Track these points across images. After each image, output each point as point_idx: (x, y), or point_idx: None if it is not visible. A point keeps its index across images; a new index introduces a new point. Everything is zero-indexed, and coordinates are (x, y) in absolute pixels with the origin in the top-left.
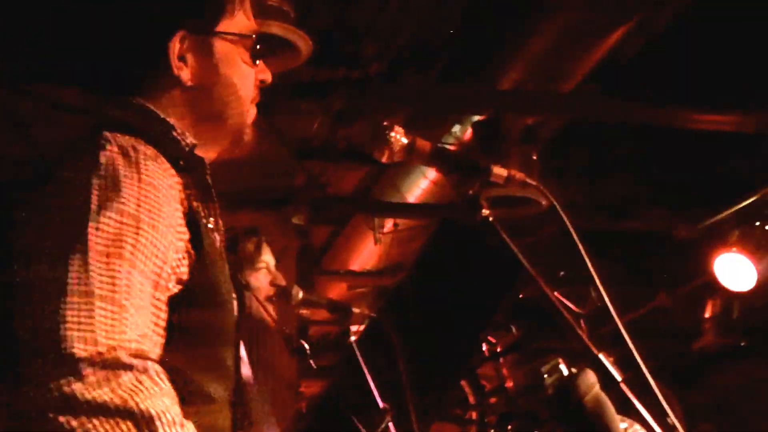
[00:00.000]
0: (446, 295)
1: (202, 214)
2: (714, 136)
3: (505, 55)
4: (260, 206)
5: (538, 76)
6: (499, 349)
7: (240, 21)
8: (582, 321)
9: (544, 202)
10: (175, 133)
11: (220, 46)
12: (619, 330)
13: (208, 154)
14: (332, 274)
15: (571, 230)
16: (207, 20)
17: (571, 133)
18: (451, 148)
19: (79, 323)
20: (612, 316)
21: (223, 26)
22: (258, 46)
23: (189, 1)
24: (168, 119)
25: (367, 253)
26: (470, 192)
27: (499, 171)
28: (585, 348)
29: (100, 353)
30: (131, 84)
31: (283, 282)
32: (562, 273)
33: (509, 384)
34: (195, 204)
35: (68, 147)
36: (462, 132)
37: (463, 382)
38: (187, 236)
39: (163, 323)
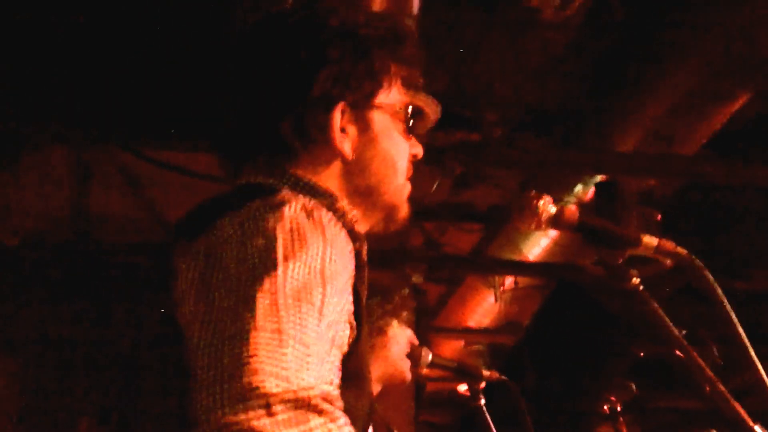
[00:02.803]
0: (565, 354)
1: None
2: None
3: (622, 121)
4: (380, 265)
5: (656, 141)
6: (618, 408)
7: (395, 94)
8: None
9: (668, 262)
10: (339, 205)
11: (378, 118)
12: (760, 384)
13: (359, 228)
14: (449, 332)
15: (716, 288)
16: (366, 93)
17: (688, 191)
18: (573, 208)
19: (270, 358)
20: (752, 369)
21: (380, 98)
22: (412, 120)
23: (349, 74)
24: (330, 191)
25: (483, 311)
26: (619, 261)
27: (649, 240)
28: (737, 417)
29: (292, 391)
30: (290, 154)
31: (416, 341)
32: (684, 331)
33: None
34: (356, 279)
35: (230, 201)
36: (584, 192)
37: None
38: (352, 308)
39: (336, 384)
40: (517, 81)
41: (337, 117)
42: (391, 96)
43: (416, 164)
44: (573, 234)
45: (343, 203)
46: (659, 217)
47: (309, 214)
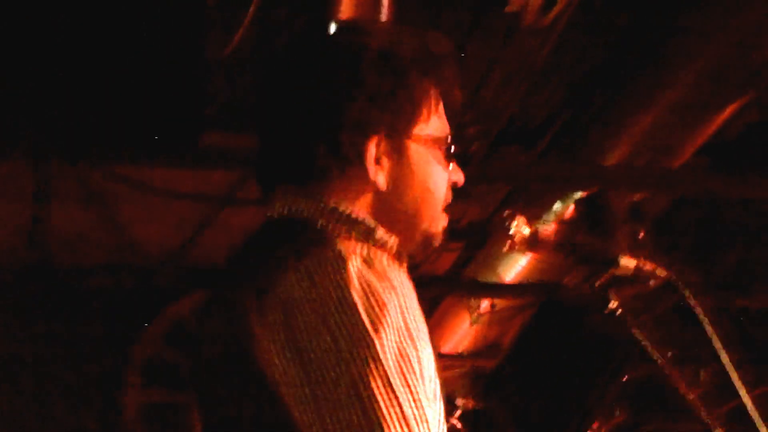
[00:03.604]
0: (550, 377)
1: None
2: None
3: (611, 131)
4: None
5: (645, 151)
6: None
7: (434, 123)
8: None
9: (652, 282)
10: (378, 236)
11: (415, 148)
12: (744, 409)
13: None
14: None
15: (699, 309)
16: (404, 122)
17: (683, 206)
18: (552, 227)
19: None
20: (737, 394)
21: (419, 129)
22: (452, 147)
23: (387, 105)
24: (366, 221)
25: (461, 334)
26: (596, 283)
27: (627, 262)
28: None
29: None
30: (324, 182)
31: None
32: (670, 353)
33: None
34: None
35: (284, 251)
36: (563, 209)
37: None
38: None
39: None
40: (500, 91)
41: (372, 147)
42: (431, 124)
43: None
44: (572, 264)
45: (381, 232)
46: (643, 233)
47: (370, 264)
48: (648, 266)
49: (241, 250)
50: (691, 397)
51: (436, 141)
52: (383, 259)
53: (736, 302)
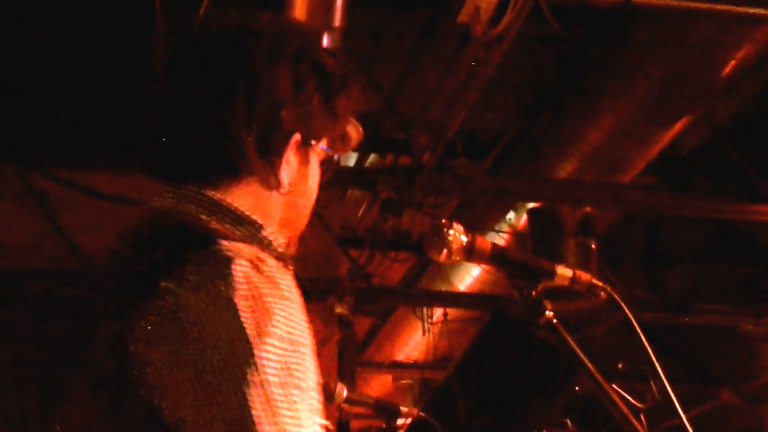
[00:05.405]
0: (498, 389)
1: None
2: None
3: (561, 146)
4: (303, 296)
5: (594, 167)
6: None
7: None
8: (642, 416)
9: (602, 295)
10: (264, 234)
11: (314, 157)
12: (683, 426)
13: (287, 251)
14: (377, 366)
15: (635, 323)
16: (322, 132)
17: (631, 222)
18: (505, 236)
19: None
20: (676, 411)
21: (324, 141)
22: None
23: (319, 116)
24: (252, 219)
25: (413, 344)
26: (533, 293)
27: (564, 272)
28: None
29: None
30: (219, 179)
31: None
32: (621, 365)
33: None
34: None
35: (165, 254)
36: (516, 219)
37: None
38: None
39: None
40: (451, 104)
41: (293, 148)
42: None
43: (343, 189)
44: (509, 274)
45: (268, 231)
46: (594, 245)
47: (257, 267)
48: (584, 277)
49: (122, 246)
50: (623, 409)
51: (328, 145)
52: (269, 261)
53: (684, 318)
